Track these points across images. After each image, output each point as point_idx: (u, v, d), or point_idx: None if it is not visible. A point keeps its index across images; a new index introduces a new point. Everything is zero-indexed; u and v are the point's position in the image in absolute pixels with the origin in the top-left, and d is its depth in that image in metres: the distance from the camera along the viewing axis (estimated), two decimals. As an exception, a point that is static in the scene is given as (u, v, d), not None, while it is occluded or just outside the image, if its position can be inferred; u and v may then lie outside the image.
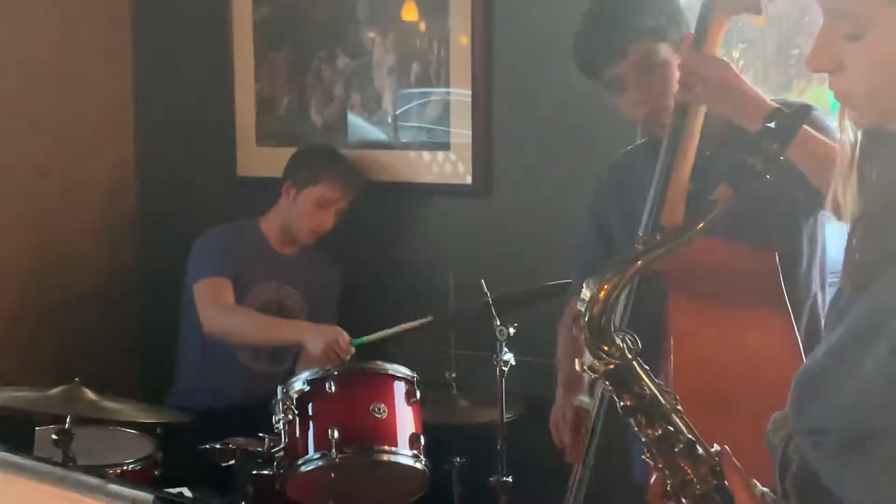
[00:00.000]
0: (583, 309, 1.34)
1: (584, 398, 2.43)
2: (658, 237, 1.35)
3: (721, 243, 2.10)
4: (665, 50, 2.25)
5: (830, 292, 2.25)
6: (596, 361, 1.35)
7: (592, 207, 2.56)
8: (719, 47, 2.14)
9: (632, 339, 1.37)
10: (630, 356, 1.35)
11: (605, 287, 1.34)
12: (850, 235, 1.24)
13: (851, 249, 1.23)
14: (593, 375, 1.37)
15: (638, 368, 1.36)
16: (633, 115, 2.35)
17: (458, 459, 3.20)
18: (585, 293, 1.34)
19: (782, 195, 2.04)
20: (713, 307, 2.06)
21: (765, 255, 2.12)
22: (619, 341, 1.35)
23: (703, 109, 2.14)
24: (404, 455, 2.82)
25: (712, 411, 1.86)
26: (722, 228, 2.07)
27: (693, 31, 2.16)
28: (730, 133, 2.06)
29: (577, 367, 1.39)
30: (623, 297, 2.16)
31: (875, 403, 1.12)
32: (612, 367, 1.35)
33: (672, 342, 1.99)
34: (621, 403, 1.36)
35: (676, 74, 2.22)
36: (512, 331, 2.87)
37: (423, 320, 3.23)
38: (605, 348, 1.35)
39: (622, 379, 1.35)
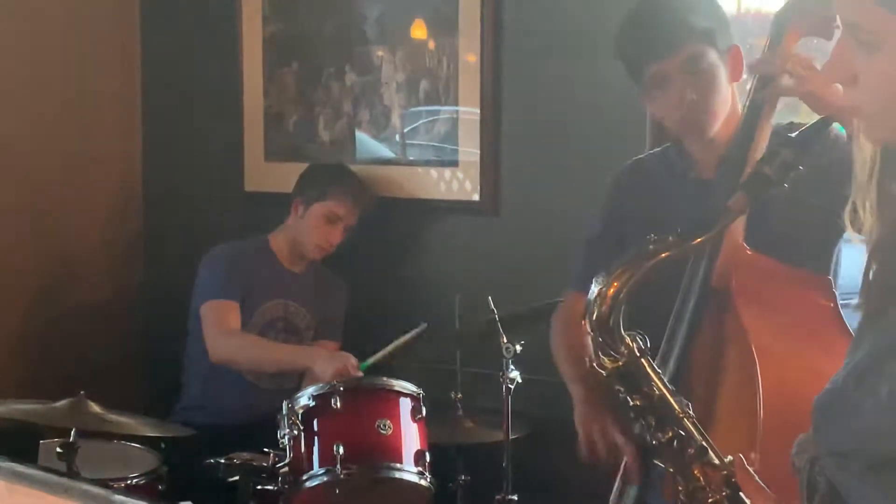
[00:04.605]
0: (591, 307, 1.34)
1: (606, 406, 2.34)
2: (671, 238, 1.35)
3: (780, 266, 2.09)
4: (712, 55, 2.19)
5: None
6: (605, 358, 1.35)
7: (607, 205, 2.50)
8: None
9: (641, 338, 1.37)
10: (639, 355, 1.35)
11: (615, 284, 1.34)
12: (870, 259, 1.22)
13: (870, 273, 1.22)
14: (603, 373, 1.36)
15: (647, 368, 1.35)
16: (667, 117, 2.27)
17: (462, 477, 3.19)
18: (594, 290, 1.34)
19: (826, 219, 2.04)
20: (783, 326, 2.03)
21: (822, 280, 2.10)
22: (628, 340, 1.35)
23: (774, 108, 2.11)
24: (409, 472, 2.81)
25: (797, 428, 1.85)
26: (779, 252, 2.07)
27: (766, 46, 2.14)
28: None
29: (587, 365, 1.39)
30: (678, 311, 2.14)
31: (893, 428, 1.11)
32: (620, 364, 1.35)
33: (756, 361, 1.96)
34: (631, 403, 1.36)
35: (720, 81, 2.20)
36: (518, 348, 2.86)
37: (419, 329, 3.23)
38: (614, 347, 1.34)
39: (631, 378, 1.35)
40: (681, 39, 2.19)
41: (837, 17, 1.17)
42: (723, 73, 2.22)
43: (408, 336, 3.24)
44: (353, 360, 3.20)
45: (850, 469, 1.16)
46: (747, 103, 2.15)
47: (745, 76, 2.26)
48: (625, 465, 2.17)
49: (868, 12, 1.12)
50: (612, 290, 1.35)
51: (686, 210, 2.18)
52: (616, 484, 2.21)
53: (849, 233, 1.27)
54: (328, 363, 3.20)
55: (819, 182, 1.64)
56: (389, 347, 3.25)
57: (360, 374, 3.18)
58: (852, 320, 1.86)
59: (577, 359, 2.36)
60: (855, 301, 1.26)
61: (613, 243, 2.35)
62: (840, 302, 2.27)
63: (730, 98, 2.25)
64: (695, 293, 2.12)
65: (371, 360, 3.24)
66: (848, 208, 1.25)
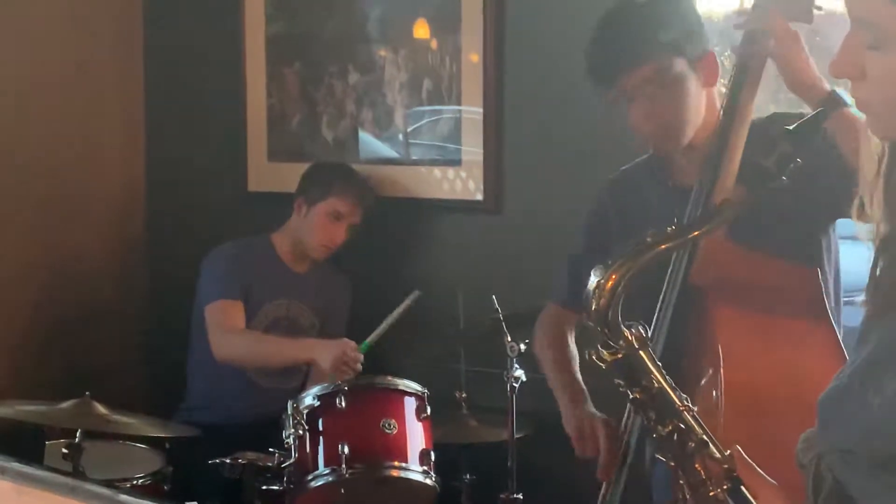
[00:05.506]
0: (589, 299, 1.34)
1: (592, 408, 2.39)
2: (669, 231, 1.35)
3: (763, 259, 2.09)
4: (680, 65, 2.19)
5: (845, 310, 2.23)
6: (604, 351, 1.35)
7: (589, 221, 2.53)
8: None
9: (642, 328, 1.36)
10: (637, 347, 1.35)
11: (613, 277, 1.34)
12: (876, 257, 1.22)
13: (876, 271, 1.21)
14: (602, 366, 1.36)
15: (646, 360, 1.35)
16: (640, 129, 2.28)
17: (467, 476, 3.19)
18: (593, 281, 1.34)
19: (814, 207, 2.04)
20: (759, 322, 2.02)
21: (808, 272, 2.09)
22: (627, 332, 1.34)
23: (754, 91, 2.11)
24: (414, 471, 2.82)
25: (763, 425, 1.84)
26: (763, 243, 2.07)
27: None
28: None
29: (586, 357, 1.39)
30: (661, 314, 2.14)
31: None
32: (619, 357, 1.34)
33: (721, 357, 1.96)
34: (631, 397, 1.36)
35: (689, 91, 2.20)
36: (523, 347, 2.86)
37: (411, 297, 3.25)
38: (613, 340, 1.34)
39: (630, 370, 1.35)
40: (645, 55, 2.19)
41: (830, 7, 1.18)
42: (693, 82, 2.21)
43: (401, 307, 3.26)
44: (351, 344, 3.21)
45: (857, 466, 1.16)
46: (723, 105, 2.15)
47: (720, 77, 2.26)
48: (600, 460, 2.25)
49: (877, 8, 1.12)
50: (610, 283, 1.34)
51: (669, 219, 2.18)
52: (603, 486, 2.25)
53: (856, 228, 1.26)
54: (327, 351, 3.22)
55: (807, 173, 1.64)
56: (385, 323, 3.26)
57: (361, 356, 3.20)
58: (856, 318, 1.85)
59: (562, 367, 2.47)
60: (860, 298, 1.26)
61: (597, 258, 2.37)
62: (844, 299, 2.27)
63: (704, 104, 2.24)
64: (675, 290, 2.12)
65: (370, 340, 3.25)
66: (855, 203, 1.24)
